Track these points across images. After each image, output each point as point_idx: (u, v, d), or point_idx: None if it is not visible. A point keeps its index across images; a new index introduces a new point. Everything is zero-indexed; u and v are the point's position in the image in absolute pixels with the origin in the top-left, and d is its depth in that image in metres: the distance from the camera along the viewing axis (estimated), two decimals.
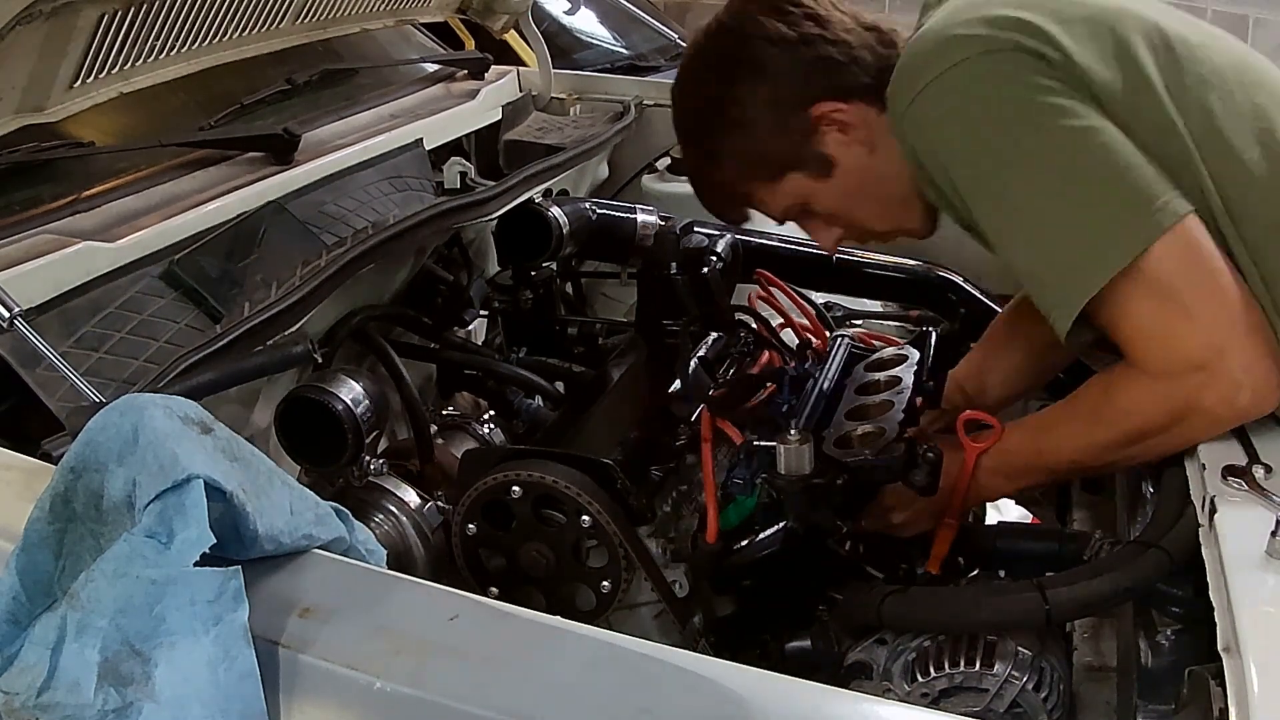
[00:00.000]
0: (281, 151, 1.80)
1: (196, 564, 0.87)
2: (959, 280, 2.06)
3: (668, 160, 2.40)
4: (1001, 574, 1.43)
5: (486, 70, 2.46)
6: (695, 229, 1.90)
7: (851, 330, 1.93)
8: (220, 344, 1.31)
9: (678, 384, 1.49)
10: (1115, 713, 1.25)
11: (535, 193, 1.99)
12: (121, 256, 1.46)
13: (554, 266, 1.99)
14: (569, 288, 2.19)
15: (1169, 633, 1.12)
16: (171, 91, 1.75)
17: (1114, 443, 1.23)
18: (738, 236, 1.99)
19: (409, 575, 1.03)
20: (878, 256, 2.09)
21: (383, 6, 2.12)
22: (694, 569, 1.38)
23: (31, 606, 0.92)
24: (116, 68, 1.57)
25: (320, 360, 1.44)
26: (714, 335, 1.68)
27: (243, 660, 0.86)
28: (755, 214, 1.53)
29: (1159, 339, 1.14)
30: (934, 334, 1.59)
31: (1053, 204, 1.16)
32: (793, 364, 1.58)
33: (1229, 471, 1.10)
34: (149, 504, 0.89)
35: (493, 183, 1.94)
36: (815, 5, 1.38)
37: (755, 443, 1.42)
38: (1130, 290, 1.13)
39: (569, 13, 4.59)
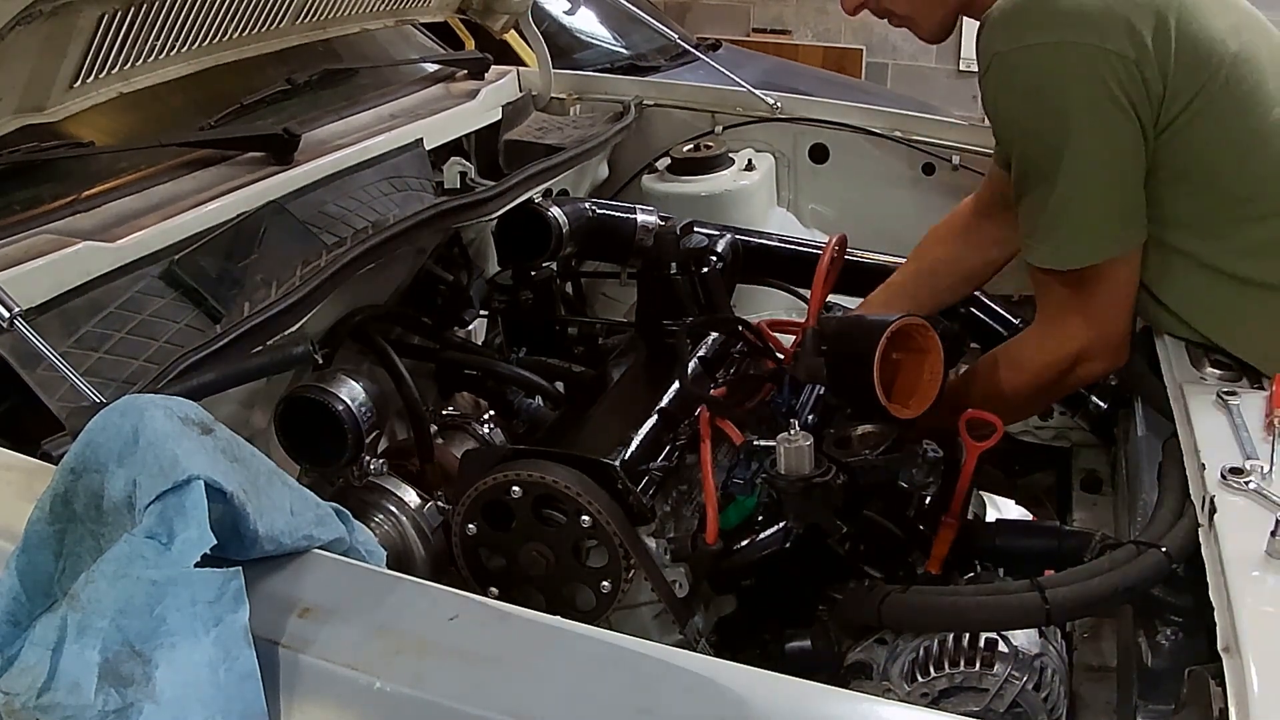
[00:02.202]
0: (281, 151, 1.80)
1: (197, 565, 0.87)
2: None
3: (668, 160, 2.40)
4: (1001, 572, 1.43)
5: (486, 70, 2.46)
6: (695, 229, 1.90)
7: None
8: (220, 344, 1.31)
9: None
10: (1115, 713, 1.25)
11: (535, 193, 1.99)
12: (121, 256, 1.46)
13: (554, 266, 1.99)
14: (569, 288, 2.19)
15: (1169, 633, 1.12)
16: (171, 91, 1.75)
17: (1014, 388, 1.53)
18: (738, 237, 1.99)
19: (409, 575, 1.03)
20: (878, 256, 2.09)
21: (383, 6, 2.12)
22: (694, 569, 1.38)
23: (32, 607, 0.92)
24: (116, 68, 1.57)
25: (321, 361, 1.44)
26: (713, 335, 1.68)
27: (243, 661, 0.86)
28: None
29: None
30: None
31: (1069, 183, 1.36)
32: (789, 365, 1.58)
33: (1229, 471, 1.10)
34: (149, 505, 0.89)
35: (493, 183, 1.94)
36: None
37: (755, 443, 1.42)
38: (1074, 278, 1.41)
39: (569, 13, 4.58)
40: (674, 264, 1.76)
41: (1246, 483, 1.08)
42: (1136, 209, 1.38)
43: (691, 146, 2.42)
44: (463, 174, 2.05)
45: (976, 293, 2.05)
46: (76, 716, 0.84)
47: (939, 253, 1.84)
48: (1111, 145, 1.34)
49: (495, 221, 1.90)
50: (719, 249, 1.84)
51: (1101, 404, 1.81)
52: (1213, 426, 1.21)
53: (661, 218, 2.02)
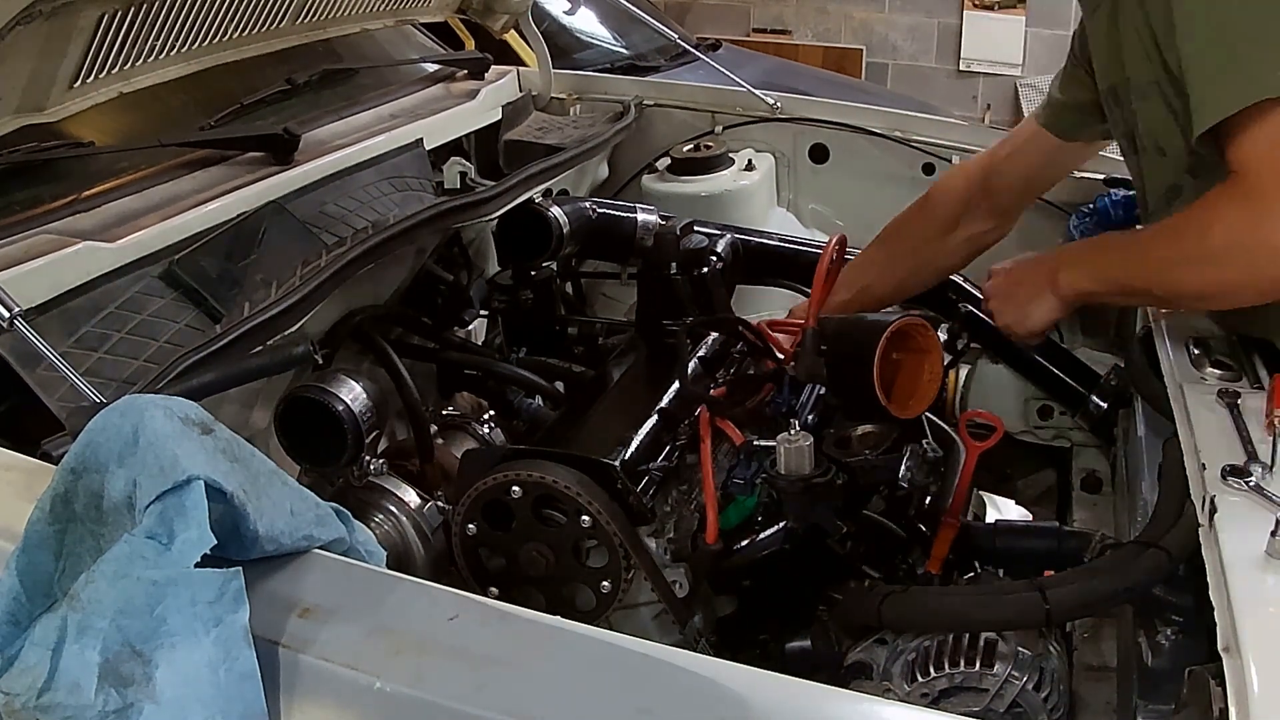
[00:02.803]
0: (281, 151, 1.80)
1: (197, 565, 0.87)
2: (959, 280, 2.06)
3: (668, 160, 2.40)
4: (1001, 573, 1.43)
5: (486, 70, 2.46)
6: (695, 229, 1.90)
7: None
8: (220, 344, 1.31)
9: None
10: (1115, 713, 1.25)
11: (535, 193, 1.99)
12: (121, 256, 1.46)
13: (554, 266, 2.00)
14: (569, 288, 2.19)
15: (1169, 633, 1.12)
16: (171, 91, 1.75)
17: (1180, 257, 1.29)
18: (738, 237, 1.99)
19: (409, 575, 1.03)
20: None
21: (383, 6, 2.12)
22: (694, 569, 1.38)
23: (32, 607, 0.92)
24: (116, 68, 1.57)
25: (321, 361, 1.44)
26: (713, 335, 1.68)
27: (243, 661, 0.86)
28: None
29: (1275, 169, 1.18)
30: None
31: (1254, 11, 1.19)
32: (790, 365, 1.58)
33: (1229, 471, 1.10)
34: (149, 505, 0.89)
35: (493, 183, 1.94)
36: None
37: (755, 443, 1.42)
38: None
39: (569, 13, 4.59)
40: (674, 264, 1.76)
41: (1247, 483, 1.08)
42: None
43: (691, 146, 2.42)
44: (463, 174, 2.05)
45: (977, 293, 2.05)
46: (76, 716, 0.84)
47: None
48: None
49: (495, 221, 1.90)
50: (719, 249, 1.84)
51: (1101, 404, 1.81)
52: (1213, 426, 1.21)
53: (662, 217, 2.02)
